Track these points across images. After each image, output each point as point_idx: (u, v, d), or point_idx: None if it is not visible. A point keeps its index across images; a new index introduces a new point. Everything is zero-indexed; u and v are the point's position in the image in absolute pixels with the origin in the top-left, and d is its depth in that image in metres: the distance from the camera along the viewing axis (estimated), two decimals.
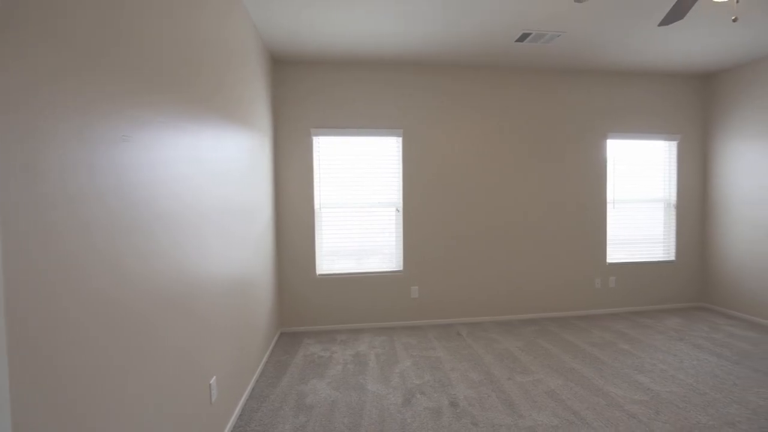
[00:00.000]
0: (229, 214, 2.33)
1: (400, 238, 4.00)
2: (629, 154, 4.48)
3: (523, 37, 3.38)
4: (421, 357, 3.24)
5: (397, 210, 4.00)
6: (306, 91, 3.82)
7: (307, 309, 3.91)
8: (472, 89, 4.08)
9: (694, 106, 4.53)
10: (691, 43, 3.56)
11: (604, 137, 4.35)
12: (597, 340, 3.60)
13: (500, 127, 4.14)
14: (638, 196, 4.52)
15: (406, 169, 3.98)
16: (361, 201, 3.95)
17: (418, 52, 3.67)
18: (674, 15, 2.39)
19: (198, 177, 1.88)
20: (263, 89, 3.32)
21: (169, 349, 1.53)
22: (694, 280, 4.62)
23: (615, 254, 4.47)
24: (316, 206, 3.88)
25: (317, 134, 3.83)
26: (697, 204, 4.60)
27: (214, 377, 2.02)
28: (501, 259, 4.19)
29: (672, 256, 4.57)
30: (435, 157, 4.02)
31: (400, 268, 4.02)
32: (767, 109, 3.90)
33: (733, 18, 2.04)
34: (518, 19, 3.06)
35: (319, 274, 3.91)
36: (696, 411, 2.40)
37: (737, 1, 1.72)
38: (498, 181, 4.15)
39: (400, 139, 3.97)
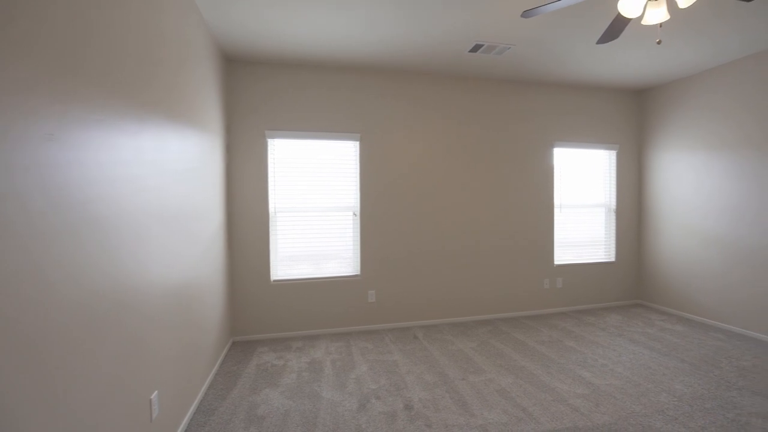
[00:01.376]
0: (174, 219, 2.22)
1: (358, 243, 4.00)
2: (574, 162, 4.77)
3: (475, 48, 3.51)
4: (378, 361, 3.24)
5: (355, 214, 3.99)
6: (261, 92, 3.73)
7: (262, 316, 3.79)
8: (430, 96, 4.17)
9: (630, 118, 4.91)
10: (626, 61, 3.87)
11: (552, 145, 4.60)
12: (545, 338, 3.77)
13: (456, 134, 4.26)
14: (582, 201, 4.82)
15: (364, 173, 3.98)
16: (317, 205, 3.90)
17: (375, 58, 3.70)
18: (609, 35, 2.58)
19: (140, 179, 1.77)
20: (215, 89, 3.20)
21: (102, 365, 1.42)
22: (631, 280, 4.98)
23: (562, 256, 4.73)
24: (271, 210, 3.78)
25: (272, 136, 3.75)
26: (633, 209, 4.97)
27: (156, 392, 1.90)
28: (456, 261, 4.29)
29: (612, 257, 4.91)
30: (392, 162, 4.07)
31: (357, 273, 4.01)
32: (691, 123, 4.31)
33: (657, 41, 2.25)
34: (471, 31, 3.17)
35: (274, 280, 3.81)
36: (631, 401, 2.58)
37: (660, 26, 1.89)
38: (453, 186, 4.26)
39: (357, 144, 3.97)
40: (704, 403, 2.53)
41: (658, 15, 2.10)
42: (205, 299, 2.82)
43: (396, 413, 2.44)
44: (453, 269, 4.28)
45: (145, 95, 1.82)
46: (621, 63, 3.92)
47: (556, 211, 4.68)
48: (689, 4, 1.96)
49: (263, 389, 2.78)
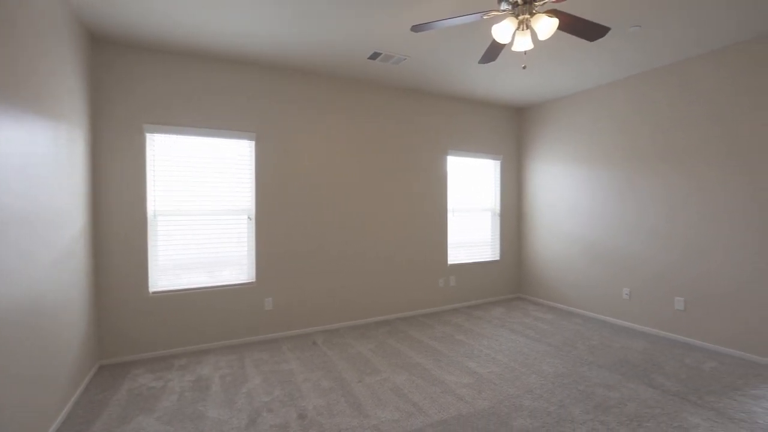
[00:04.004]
0: (9, 225, 1.83)
1: (253, 248, 3.78)
2: (465, 170, 5.20)
3: (374, 56, 3.60)
4: (272, 372, 3.10)
5: (249, 218, 3.77)
6: (140, 81, 3.31)
7: (138, 334, 3.34)
8: (331, 98, 4.16)
9: (511, 132, 5.54)
10: (507, 81, 4.35)
11: (446, 153, 4.95)
12: (439, 334, 4.02)
13: (358, 138, 4.32)
14: (472, 205, 5.27)
15: (259, 174, 3.79)
16: (208, 208, 3.59)
17: (273, 55, 3.56)
18: (488, 56, 2.86)
19: None
20: (75, 72, 2.74)
21: None
22: (513, 276, 5.60)
23: (455, 256, 5.10)
24: (150, 214, 3.37)
25: (152, 131, 3.35)
26: (514, 213, 5.60)
27: None
28: (356, 264, 4.34)
29: (497, 256, 5.45)
30: (290, 164, 3.95)
31: (253, 280, 3.79)
32: (555, 139, 5.03)
33: (522, 66, 2.57)
34: (368, 39, 3.24)
35: (154, 292, 3.39)
36: (507, 385, 2.87)
37: (525, 53, 2.16)
38: (352, 189, 4.31)
39: (252, 143, 3.77)
40: (563, 380, 2.94)
41: (524, 43, 2.40)
42: (58, 320, 2.38)
43: (288, 424, 2.35)
44: (353, 272, 4.32)
45: None
46: (503, 83, 4.40)
47: (450, 214, 5.04)
48: (546, 38, 2.28)
49: (135, 417, 2.44)
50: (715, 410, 2.49)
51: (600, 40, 3.26)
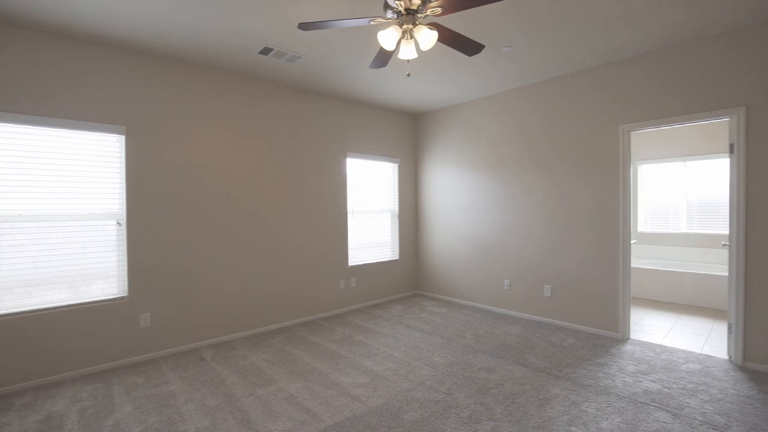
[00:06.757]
0: None
1: (124, 258, 3.30)
2: (365, 172, 5.28)
3: (265, 51, 3.44)
4: (148, 397, 2.74)
5: (119, 223, 3.29)
6: None
7: None
8: (220, 93, 3.85)
9: (409, 136, 5.80)
10: (402, 88, 4.53)
11: (345, 155, 4.97)
12: (338, 336, 4.00)
13: (250, 136, 4.07)
14: (372, 207, 5.38)
15: (131, 174, 3.33)
16: (62, 212, 3.03)
17: (147, 41, 3.16)
18: (378, 62, 2.94)
19: None
20: None
21: None
22: (412, 274, 5.86)
23: (355, 257, 5.15)
24: None
25: None
26: (412, 214, 5.88)
27: None
28: (248, 271, 4.09)
29: (397, 256, 5.66)
30: (169, 162, 3.55)
31: (125, 294, 3.31)
32: (445, 145, 5.41)
33: (407, 73, 2.70)
34: (257, 32, 3.08)
35: None
36: (402, 380, 2.97)
37: (408, 62, 2.26)
38: (244, 190, 4.06)
39: (122, 138, 3.29)
40: (452, 369, 3.15)
41: (408, 52, 2.51)
42: None
43: None
44: (245, 278, 4.07)
45: None
46: (398, 88, 4.57)
47: (350, 216, 5.07)
48: (428, 49, 2.42)
49: None
50: (570, 380, 2.91)
51: (476, 58, 3.59)
